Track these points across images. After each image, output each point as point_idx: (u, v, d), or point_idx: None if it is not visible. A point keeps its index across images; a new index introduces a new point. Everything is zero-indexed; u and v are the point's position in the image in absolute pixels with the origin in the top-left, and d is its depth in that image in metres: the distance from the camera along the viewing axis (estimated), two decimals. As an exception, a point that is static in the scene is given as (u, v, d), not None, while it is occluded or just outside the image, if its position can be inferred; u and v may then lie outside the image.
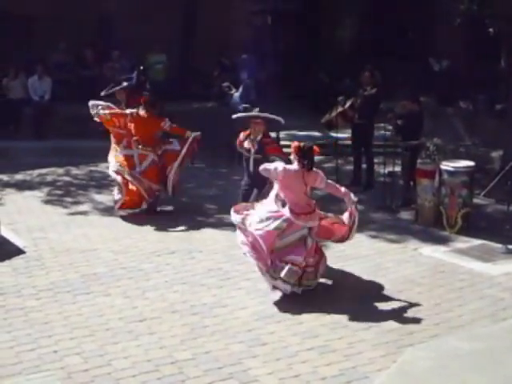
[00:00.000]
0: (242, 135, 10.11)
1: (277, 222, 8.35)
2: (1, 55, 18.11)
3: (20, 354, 7.30)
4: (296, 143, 8.57)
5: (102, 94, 12.95)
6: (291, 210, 8.43)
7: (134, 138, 11.55)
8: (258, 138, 9.92)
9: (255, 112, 10.31)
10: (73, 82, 18.39)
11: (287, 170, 8.48)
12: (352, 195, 8.72)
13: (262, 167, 8.71)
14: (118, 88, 12.87)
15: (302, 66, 20.97)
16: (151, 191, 11.65)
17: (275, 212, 8.46)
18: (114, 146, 11.84)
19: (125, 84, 13.13)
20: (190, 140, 11.60)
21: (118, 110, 11.96)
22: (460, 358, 7.11)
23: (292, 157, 8.55)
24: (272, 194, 8.68)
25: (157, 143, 11.74)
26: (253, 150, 9.92)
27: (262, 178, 9.13)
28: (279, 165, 8.62)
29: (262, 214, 8.48)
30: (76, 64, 19.05)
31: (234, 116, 10.59)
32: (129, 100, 12.67)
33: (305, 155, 8.47)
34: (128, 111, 11.77)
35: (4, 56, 18.12)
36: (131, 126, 11.65)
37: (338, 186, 8.86)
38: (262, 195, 9.41)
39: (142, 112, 11.64)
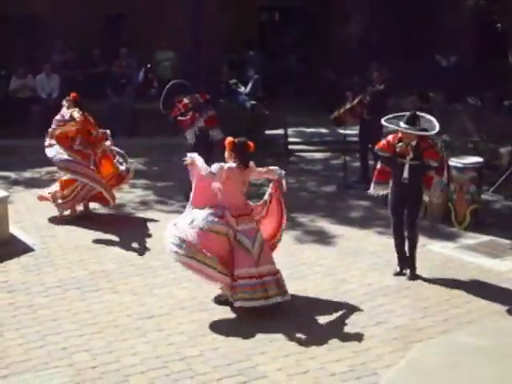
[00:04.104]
0: (390, 138, 9.06)
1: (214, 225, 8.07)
2: (8, 54, 18.15)
3: (29, 351, 7.32)
4: (230, 138, 8.19)
5: (163, 109, 12.66)
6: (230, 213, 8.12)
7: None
8: (413, 142, 8.87)
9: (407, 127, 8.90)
10: (79, 80, 18.38)
11: (231, 169, 8.05)
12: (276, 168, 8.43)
13: (208, 171, 8.13)
14: (168, 92, 12.52)
15: (309, 62, 20.97)
16: None
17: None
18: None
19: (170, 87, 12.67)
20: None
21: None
22: (469, 353, 7.10)
23: (226, 154, 8.18)
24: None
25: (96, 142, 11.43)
26: (408, 157, 8.85)
27: (417, 183, 8.90)
28: (222, 164, 8.13)
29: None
30: (82, 61, 19.02)
31: (383, 121, 9.27)
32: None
33: (240, 151, 8.10)
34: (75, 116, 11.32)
35: (10, 55, 18.17)
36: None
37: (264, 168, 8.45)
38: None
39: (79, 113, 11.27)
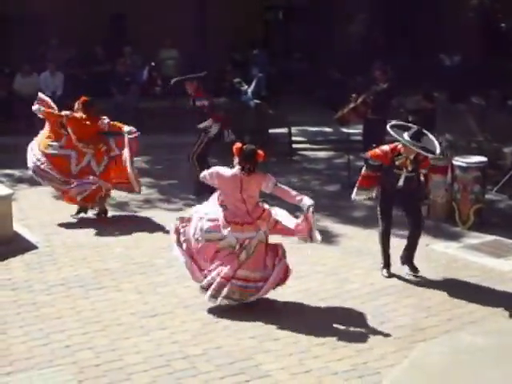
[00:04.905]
0: (388, 149, 8.99)
1: (210, 234, 8.14)
2: (11, 52, 18.17)
3: (32, 348, 7.34)
4: (238, 144, 8.13)
5: (172, 82, 12.96)
6: (225, 217, 8.11)
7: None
8: (412, 156, 8.88)
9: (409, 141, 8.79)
10: (83, 78, 18.39)
11: (221, 175, 8.09)
12: (306, 199, 8.08)
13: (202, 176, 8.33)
14: (189, 76, 12.74)
15: (312, 61, 20.95)
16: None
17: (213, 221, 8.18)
18: (47, 140, 11.40)
19: (193, 75, 12.87)
20: (126, 141, 11.31)
21: (52, 111, 11.51)
22: (472, 353, 7.10)
23: (236, 160, 8.10)
24: (215, 196, 8.35)
25: (98, 142, 11.41)
26: (405, 170, 8.88)
27: (411, 190, 8.93)
28: (215, 168, 8.23)
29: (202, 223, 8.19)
30: (86, 60, 19.02)
31: (388, 128, 9.10)
32: (196, 93, 12.60)
33: (246, 158, 7.99)
34: (63, 113, 11.35)
35: (13, 53, 18.18)
36: (68, 127, 11.31)
37: (290, 190, 8.21)
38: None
39: (78, 114, 11.30)
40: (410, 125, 9.19)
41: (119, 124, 11.49)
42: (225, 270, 8.04)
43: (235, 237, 8.06)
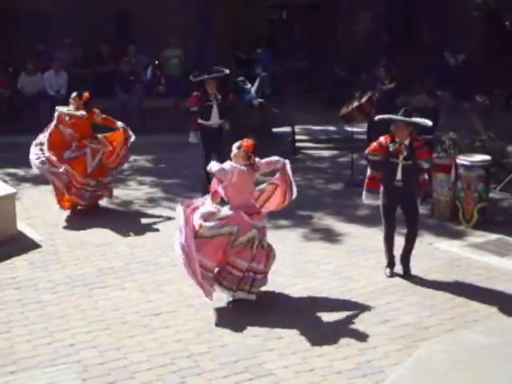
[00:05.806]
0: (382, 139, 8.94)
1: (227, 228, 8.02)
2: (15, 51, 18.18)
3: (36, 347, 7.36)
4: (250, 141, 8.15)
5: (192, 79, 12.90)
6: (241, 211, 8.10)
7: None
8: (407, 142, 8.76)
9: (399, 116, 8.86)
10: (88, 78, 18.38)
11: (239, 170, 8.06)
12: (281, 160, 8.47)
13: (217, 169, 8.12)
14: (207, 77, 12.58)
15: (317, 60, 20.95)
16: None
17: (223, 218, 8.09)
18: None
19: (218, 74, 12.78)
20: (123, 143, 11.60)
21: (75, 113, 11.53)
22: (476, 351, 7.11)
23: (240, 154, 8.11)
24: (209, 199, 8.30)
25: (94, 138, 11.57)
26: (401, 156, 8.72)
27: (411, 186, 8.83)
28: (229, 164, 8.14)
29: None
30: (88, 59, 19.01)
31: (377, 118, 9.40)
32: (219, 90, 12.57)
33: (254, 152, 8.18)
34: (79, 113, 11.40)
35: (18, 52, 18.19)
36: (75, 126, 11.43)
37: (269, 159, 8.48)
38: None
39: (78, 112, 11.40)
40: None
41: (111, 120, 11.71)
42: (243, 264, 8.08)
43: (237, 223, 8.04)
